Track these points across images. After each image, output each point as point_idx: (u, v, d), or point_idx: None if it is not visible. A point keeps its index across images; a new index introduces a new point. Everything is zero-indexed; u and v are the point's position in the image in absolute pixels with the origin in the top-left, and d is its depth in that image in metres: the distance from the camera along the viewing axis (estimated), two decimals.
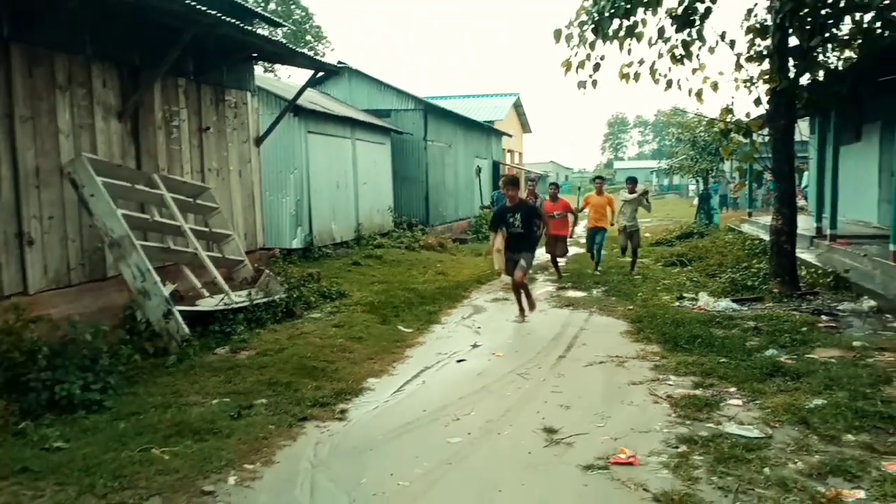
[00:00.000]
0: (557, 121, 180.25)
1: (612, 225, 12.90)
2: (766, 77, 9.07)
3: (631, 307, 9.15)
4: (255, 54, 9.69)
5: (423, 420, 5.17)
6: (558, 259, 12.52)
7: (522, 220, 8.51)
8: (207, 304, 7.09)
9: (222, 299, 7.06)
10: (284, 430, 4.84)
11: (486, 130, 28.01)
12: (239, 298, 7.36)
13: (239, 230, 9.56)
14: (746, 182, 19.26)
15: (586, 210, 13.06)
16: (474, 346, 7.42)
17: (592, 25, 8.88)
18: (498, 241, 8.72)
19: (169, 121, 8.28)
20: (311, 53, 23.20)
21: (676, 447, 4.43)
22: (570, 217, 12.79)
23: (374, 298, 9.43)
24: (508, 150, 35.29)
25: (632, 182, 12.91)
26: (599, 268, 12.74)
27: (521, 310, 8.68)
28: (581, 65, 9.19)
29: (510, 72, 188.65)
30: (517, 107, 39.33)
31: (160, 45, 7.53)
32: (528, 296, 8.74)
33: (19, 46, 6.34)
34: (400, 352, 7.16)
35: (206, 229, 8.10)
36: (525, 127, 42.53)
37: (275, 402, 5.37)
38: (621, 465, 4.21)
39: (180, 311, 6.47)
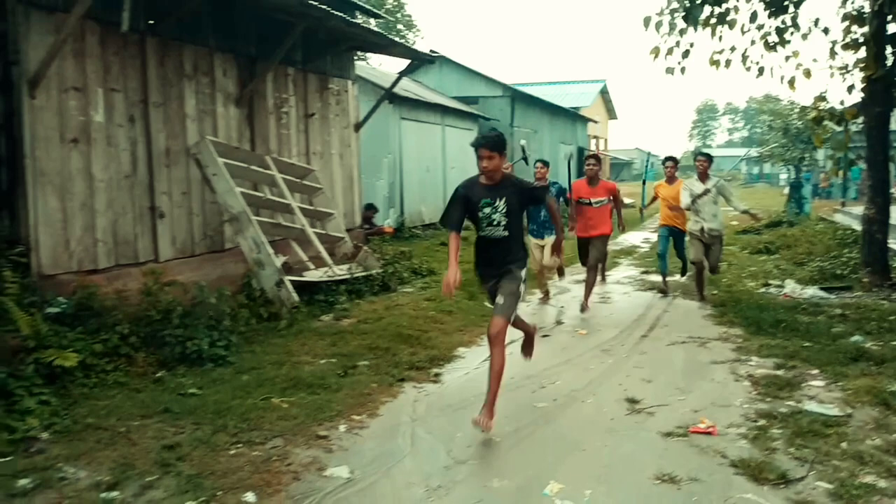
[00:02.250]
0: (644, 107, 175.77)
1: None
2: (862, 65, 8.90)
3: (715, 292, 9.23)
4: (356, 44, 10.25)
5: (511, 386, 5.54)
6: (596, 274, 8.61)
7: (509, 214, 4.61)
8: (313, 275, 7.72)
9: (326, 271, 7.68)
10: (385, 388, 5.34)
11: (572, 116, 27.99)
12: (340, 271, 7.97)
13: (339, 209, 10.21)
14: (840, 170, 18.55)
15: (657, 204, 9.63)
16: (558, 322, 7.74)
17: (683, 13, 8.94)
18: (452, 270, 4.69)
19: (279, 107, 8.96)
20: (402, 41, 23.76)
21: (755, 421, 4.63)
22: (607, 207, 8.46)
23: (464, 277, 9.87)
24: (594, 137, 35.02)
25: (705, 159, 8.63)
26: (683, 277, 9.67)
27: (490, 407, 4.42)
28: (670, 52, 9.26)
29: (596, 57, 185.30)
30: (603, 93, 38.92)
31: (274, 37, 8.18)
32: (497, 378, 4.50)
33: (153, 39, 7.07)
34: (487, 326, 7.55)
35: (311, 207, 8.73)
36: (611, 113, 42.02)
37: (376, 364, 5.89)
38: (701, 433, 4.45)
39: (290, 281, 7.11)
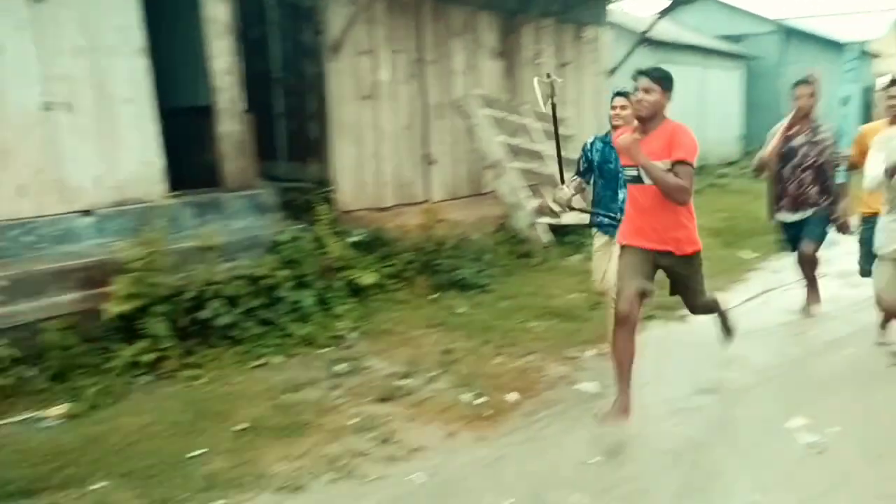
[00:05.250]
0: None
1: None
2: None
3: None
4: None
5: (762, 332, 5.54)
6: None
7: None
8: (563, 218, 8.18)
9: (575, 215, 8.08)
10: None
11: (854, 51, 24.66)
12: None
13: None
14: None
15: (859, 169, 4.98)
16: (822, 276, 7.33)
17: None
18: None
19: (536, 58, 9.43)
20: None
21: None
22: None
23: (717, 225, 9.67)
24: (882, 74, 30.46)
25: None
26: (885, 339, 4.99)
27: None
28: None
29: None
30: None
31: None
32: None
33: (428, 2, 7.89)
34: (740, 274, 7.44)
35: (564, 154, 9.13)
36: None
37: None
38: None
39: (542, 223, 7.67)
